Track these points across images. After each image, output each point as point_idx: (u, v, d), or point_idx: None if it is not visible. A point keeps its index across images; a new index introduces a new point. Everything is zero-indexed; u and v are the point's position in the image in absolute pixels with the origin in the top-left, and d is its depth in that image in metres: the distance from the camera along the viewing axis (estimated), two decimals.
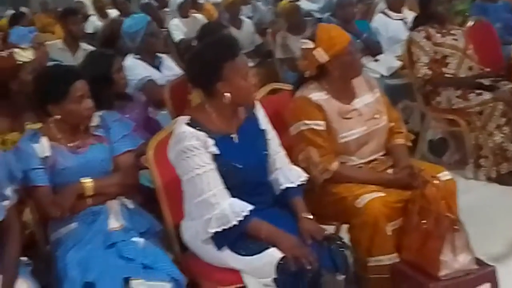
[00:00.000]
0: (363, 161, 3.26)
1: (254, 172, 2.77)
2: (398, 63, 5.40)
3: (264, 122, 2.90)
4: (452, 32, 4.84)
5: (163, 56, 4.79)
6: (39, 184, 2.88)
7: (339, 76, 3.19)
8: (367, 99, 3.30)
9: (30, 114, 3.38)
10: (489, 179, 4.51)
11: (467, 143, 4.63)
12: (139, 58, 4.54)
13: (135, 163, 3.14)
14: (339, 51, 3.14)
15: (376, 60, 5.60)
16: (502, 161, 4.47)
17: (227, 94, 2.68)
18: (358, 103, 3.26)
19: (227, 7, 7.29)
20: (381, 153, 3.32)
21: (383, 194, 3.00)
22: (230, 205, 2.64)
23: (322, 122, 3.15)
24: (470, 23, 5.21)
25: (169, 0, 8.60)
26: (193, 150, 2.64)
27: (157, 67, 4.63)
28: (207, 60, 2.69)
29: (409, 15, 5.84)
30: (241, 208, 2.63)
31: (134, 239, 2.78)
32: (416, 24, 5.06)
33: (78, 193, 2.91)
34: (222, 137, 2.72)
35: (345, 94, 3.25)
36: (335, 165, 3.12)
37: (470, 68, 4.77)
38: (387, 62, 5.51)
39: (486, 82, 4.68)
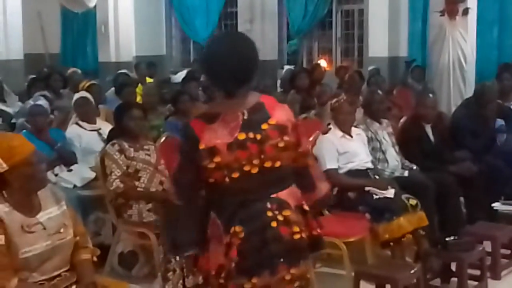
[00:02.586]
0: (45, 277, 3.12)
1: None
2: (91, 174, 5.37)
3: None
4: (145, 147, 4.97)
5: None
6: None
7: (20, 188, 3.07)
8: (52, 212, 3.20)
9: None
10: None
11: (156, 257, 4.68)
12: None
13: None
14: (19, 162, 3.02)
15: (70, 170, 5.50)
16: (189, 274, 4.57)
17: None
18: (42, 216, 3.15)
19: None
20: (65, 269, 3.22)
21: None
22: None
23: (0, 237, 2.95)
24: (162, 139, 5.41)
25: None
26: None
27: None
28: None
29: (104, 126, 5.90)
30: None
31: None
32: (110, 136, 5.11)
33: None
34: None
35: (29, 206, 3.12)
36: (13, 283, 2.93)
37: (161, 183, 4.91)
38: (80, 173, 5.44)
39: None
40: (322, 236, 2.69)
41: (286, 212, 2.55)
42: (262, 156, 2.51)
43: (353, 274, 4.35)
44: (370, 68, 10.14)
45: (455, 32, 7.88)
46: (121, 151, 4.84)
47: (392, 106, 6.90)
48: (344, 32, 12.60)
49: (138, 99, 7.93)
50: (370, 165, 5.22)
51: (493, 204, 5.54)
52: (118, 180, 4.73)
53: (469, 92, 7.57)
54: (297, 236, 2.56)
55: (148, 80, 10.55)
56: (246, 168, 2.50)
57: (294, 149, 2.63)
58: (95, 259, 3.35)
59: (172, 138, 5.62)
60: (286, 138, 2.57)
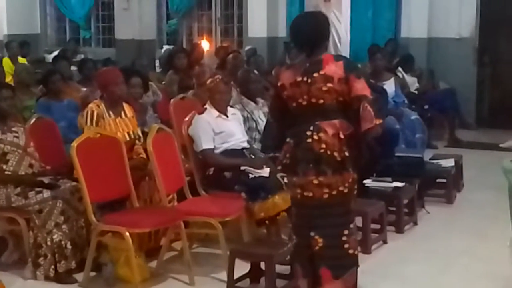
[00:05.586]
0: None
1: None
2: None
3: None
4: (13, 129, 4.78)
5: None
6: None
7: None
8: None
9: None
10: (47, 278, 4.45)
11: (26, 242, 4.53)
12: None
13: None
14: None
15: None
16: (61, 259, 4.46)
17: None
18: None
19: None
20: None
21: None
22: None
23: None
24: (31, 121, 5.20)
25: None
26: None
27: None
28: None
29: None
30: None
31: None
32: None
33: None
34: None
35: None
36: None
37: (31, 166, 4.74)
38: None
39: (46, 180, 4.68)
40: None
41: (320, 135, 3.60)
42: (310, 94, 3.62)
43: (228, 253, 4.38)
44: (247, 48, 10.18)
45: (330, 13, 7.97)
46: None
47: (270, 86, 6.96)
48: (224, 12, 12.58)
49: (9, 79, 7.61)
50: (246, 145, 5.26)
51: (364, 181, 5.72)
52: None
53: None
54: (323, 151, 3.59)
55: (21, 60, 10.15)
56: (299, 100, 3.66)
57: (338, 94, 3.60)
58: None
59: (43, 120, 5.43)
60: (329, 85, 3.59)
